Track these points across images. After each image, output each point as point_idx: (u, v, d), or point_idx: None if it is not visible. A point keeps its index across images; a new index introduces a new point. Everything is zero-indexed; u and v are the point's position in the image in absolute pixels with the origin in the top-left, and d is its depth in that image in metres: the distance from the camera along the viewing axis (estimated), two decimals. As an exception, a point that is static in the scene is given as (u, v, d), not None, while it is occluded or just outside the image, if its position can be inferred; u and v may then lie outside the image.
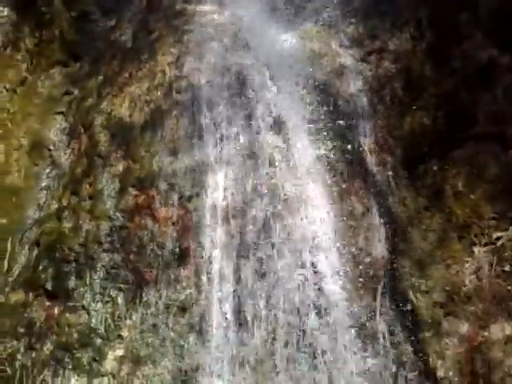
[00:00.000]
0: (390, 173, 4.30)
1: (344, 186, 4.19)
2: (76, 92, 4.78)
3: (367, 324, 3.83)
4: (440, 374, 3.78)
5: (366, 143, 4.36)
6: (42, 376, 3.69)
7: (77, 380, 3.70)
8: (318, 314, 3.80)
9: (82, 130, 4.53)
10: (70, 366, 3.74)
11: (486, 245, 3.96)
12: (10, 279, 4.00)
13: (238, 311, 3.87)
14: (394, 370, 3.74)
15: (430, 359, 3.79)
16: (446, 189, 4.13)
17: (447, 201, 4.11)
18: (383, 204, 4.21)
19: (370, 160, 4.33)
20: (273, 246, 3.97)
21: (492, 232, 3.98)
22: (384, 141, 4.38)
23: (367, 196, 4.22)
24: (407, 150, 4.32)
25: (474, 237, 4.01)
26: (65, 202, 4.24)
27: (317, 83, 4.44)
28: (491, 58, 4.13)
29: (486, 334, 3.77)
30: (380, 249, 4.09)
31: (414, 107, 4.36)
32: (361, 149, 4.33)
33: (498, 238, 3.95)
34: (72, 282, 3.96)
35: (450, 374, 3.76)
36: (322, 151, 4.19)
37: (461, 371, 3.75)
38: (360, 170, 4.26)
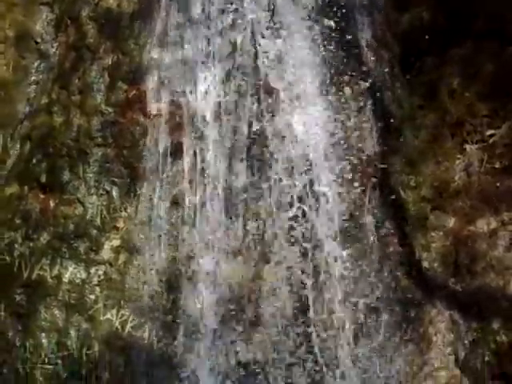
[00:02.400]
0: (387, 69, 4.52)
1: (339, 81, 4.42)
2: (61, -19, 4.85)
3: (355, 218, 4.22)
4: (425, 265, 4.20)
5: (364, 38, 4.54)
6: (40, 265, 4.07)
7: (74, 268, 4.09)
8: (308, 208, 4.18)
9: (69, 22, 4.62)
10: (67, 256, 4.11)
11: (477, 142, 4.26)
12: (4, 173, 4.29)
13: (230, 206, 4.23)
14: (378, 260, 4.17)
15: (416, 251, 4.20)
16: (441, 87, 4.36)
17: (442, 99, 4.35)
18: (378, 101, 4.46)
19: (367, 55, 4.53)
20: (265, 140, 4.27)
21: (485, 130, 4.27)
22: (382, 36, 4.56)
23: (362, 92, 4.47)
24: (405, 47, 4.51)
25: (467, 134, 4.30)
26: (54, 97, 4.41)
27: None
28: (496, -51, 4.26)
29: (471, 228, 4.16)
30: (372, 146, 4.40)
31: (414, 2, 4.52)
32: (358, 43, 4.52)
33: (491, 136, 4.25)
34: (66, 176, 4.23)
35: (435, 265, 4.19)
36: (319, 44, 4.38)
37: (445, 263, 4.17)
38: (356, 66, 4.47)
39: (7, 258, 4.06)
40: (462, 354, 4.03)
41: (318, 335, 4.01)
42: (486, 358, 3.94)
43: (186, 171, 4.25)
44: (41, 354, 3.94)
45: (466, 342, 4.03)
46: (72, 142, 4.28)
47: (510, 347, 3.87)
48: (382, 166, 4.34)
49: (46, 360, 3.92)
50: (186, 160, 4.26)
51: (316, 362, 3.99)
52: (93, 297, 4.05)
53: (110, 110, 4.33)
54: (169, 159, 4.26)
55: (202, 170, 4.24)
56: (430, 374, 4.03)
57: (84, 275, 4.08)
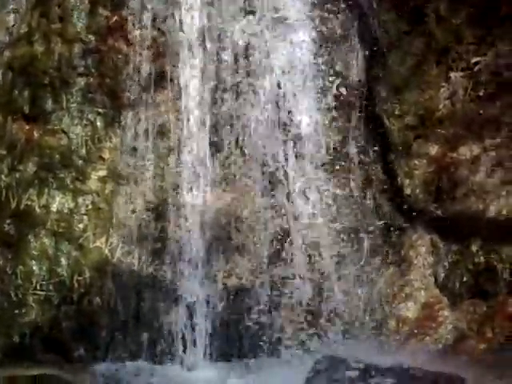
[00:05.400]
0: (373, -6, 4.70)
1: (326, 6, 4.59)
2: None
3: (339, 146, 4.51)
4: (407, 191, 4.50)
5: (349, -39, 4.68)
6: (27, 195, 4.30)
7: (62, 198, 4.33)
8: (292, 137, 4.46)
9: None
10: (54, 186, 4.32)
11: (463, 70, 4.46)
12: (-13, 103, 4.49)
13: (215, 135, 4.49)
14: (362, 187, 4.49)
15: (398, 178, 4.49)
16: (427, 12, 4.53)
17: (428, 25, 4.53)
18: (363, 27, 4.65)
19: (353, -20, 4.69)
20: (249, 69, 4.49)
21: (470, 57, 4.45)
22: (368, -42, 4.70)
23: (348, 17, 4.65)
24: (392, -31, 4.68)
25: (452, 62, 4.49)
26: (34, 25, 4.51)
27: None
28: None
29: (454, 154, 4.44)
30: (357, 73, 4.63)
31: None
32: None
33: (476, 63, 4.46)
34: (49, 106, 4.39)
35: (417, 191, 4.49)
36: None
37: (427, 189, 4.48)
38: (342, -8, 4.64)
39: (-7, 188, 4.28)
40: (441, 275, 4.38)
41: (301, 259, 4.35)
42: (465, 279, 4.29)
43: (171, 100, 4.43)
44: (32, 280, 4.21)
45: (445, 263, 4.37)
46: (54, 71, 4.40)
47: (487, 267, 4.22)
48: (367, 93, 4.58)
49: (38, 286, 4.20)
50: (170, 89, 4.43)
51: (300, 285, 4.35)
52: (81, 226, 4.31)
53: (91, 37, 4.44)
54: (152, 88, 4.42)
55: (187, 98, 4.43)
56: (410, 294, 4.39)
57: (72, 205, 4.32)
